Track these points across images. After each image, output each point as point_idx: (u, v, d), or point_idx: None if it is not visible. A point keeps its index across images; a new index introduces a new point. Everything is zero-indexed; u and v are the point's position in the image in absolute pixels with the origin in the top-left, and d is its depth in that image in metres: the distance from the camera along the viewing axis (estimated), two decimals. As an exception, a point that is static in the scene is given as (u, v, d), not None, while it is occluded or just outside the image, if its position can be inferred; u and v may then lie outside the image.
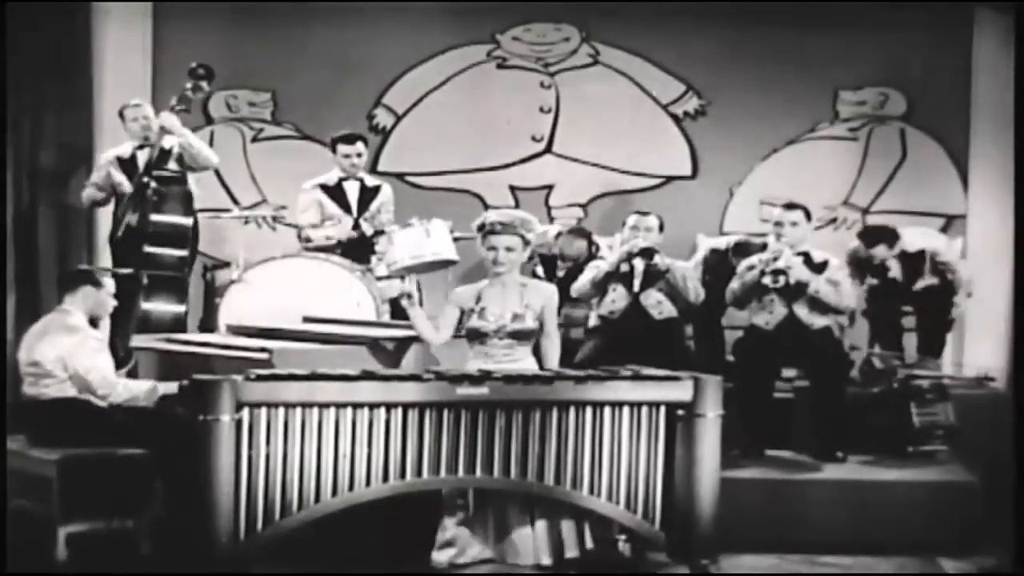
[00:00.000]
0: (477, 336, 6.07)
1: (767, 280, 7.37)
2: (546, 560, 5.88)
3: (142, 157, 8.28)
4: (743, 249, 8.25)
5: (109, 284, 6.74)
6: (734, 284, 7.64)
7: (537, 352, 6.23)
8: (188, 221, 8.18)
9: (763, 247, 7.84)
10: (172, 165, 8.19)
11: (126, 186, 8.23)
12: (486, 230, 6.07)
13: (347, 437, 5.43)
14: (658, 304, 7.74)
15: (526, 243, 6.11)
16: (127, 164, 8.32)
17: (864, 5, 9.43)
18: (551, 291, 6.23)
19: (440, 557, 5.91)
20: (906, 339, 8.57)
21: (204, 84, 8.26)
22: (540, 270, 8.43)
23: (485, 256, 6.12)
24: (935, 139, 9.69)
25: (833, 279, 7.46)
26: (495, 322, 6.04)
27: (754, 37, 9.59)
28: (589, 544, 5.95)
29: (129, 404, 6.40)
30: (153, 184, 8.05)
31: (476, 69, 9.86)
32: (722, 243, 8.65)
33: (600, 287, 7.75)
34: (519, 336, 6.07)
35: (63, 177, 8.95)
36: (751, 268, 7.52)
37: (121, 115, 8.43)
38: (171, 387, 6.33)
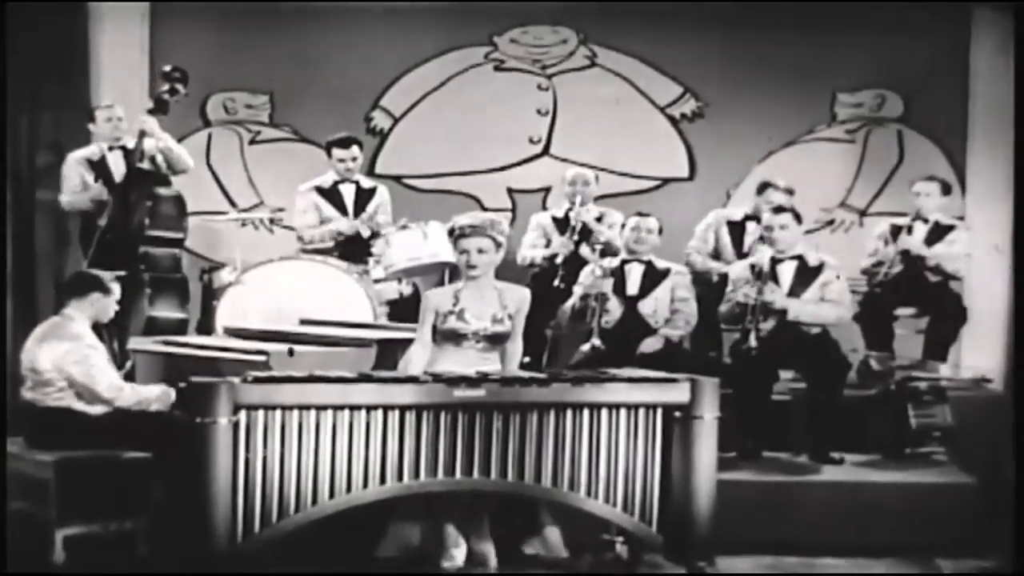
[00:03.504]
0: (454, 337, 6.03)
1: (741, 297, 7.47)
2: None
3: (112, 158, 8.27)
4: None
5: (116, 290, 6.71)
6: (722, 308, 7.70)
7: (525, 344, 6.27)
8: (183, 222, 8.19)
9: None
10: (144, 165, 8.18)
11: (99, 188, 8.20)
12: (456, 234, 6.05)
13: (344, 439, 5.42)
14: (655, 313, 7.74)
15: (498, 245, 6.09)
16: (98, 166, 8.30)
17: (861, 6, 9.43)
18: (525, 295, 6.20)
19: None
20: (907, 341, 8.56)
21: (180, 87, 8.24)
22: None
23: (458, 260, 6.10)
24: (932, 141, 9.69)
25: (828, 284, 7.50)
26: (475, 324, 6.02)
27: (751, 39, 9.59)
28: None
29: (138, 407, 6.39)
30: (144, 186, 8.05)
31: (473, 71, 9.87)
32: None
33: (577, 319, 7.75)
34: (496, 339, 6.06)
35: (60, 179, 8.94)
36: (735, 291, 7.59)
37: (92, 116, 8.41)
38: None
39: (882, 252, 8.44)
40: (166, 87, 8.21)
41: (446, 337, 6.04)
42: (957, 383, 8.24)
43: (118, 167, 8.25)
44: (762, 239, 7.98)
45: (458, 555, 5.91)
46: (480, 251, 6.02)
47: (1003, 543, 6.28)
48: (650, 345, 7.62)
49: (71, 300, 6.59)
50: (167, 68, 8.26)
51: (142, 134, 8.13)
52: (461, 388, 5.58)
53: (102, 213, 8.09)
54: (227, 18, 9.59)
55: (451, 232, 6.08)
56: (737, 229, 8.69)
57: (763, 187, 8.70)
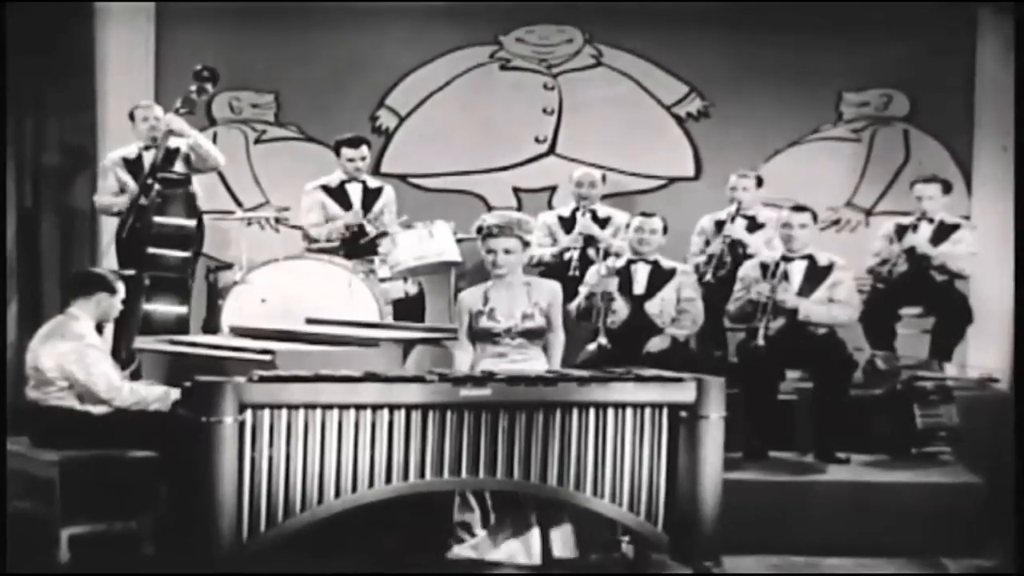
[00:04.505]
0: (488, 337, 6.10)
1: (754, 295, 7.46)
2: (535, 561, 5.92)
3: (148, 158, 8.27)
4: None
5: (121, 289, 6.72)
6: (731, 307, 7.70)
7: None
8: (191, 223, 8.16)
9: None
10: (179, 167, 8.18)
11: (132, 186, 8.23)
12: (483, 233, 6.11)
13: (350, 438, 5.42)
14: (661, 314, 7.73)
15: (525, 244, 6.13)
16: (133, 165, 8.31)
17: (867, 6, 9.42)
18: (556, 288, 6.27)
19: (461, 552, 5.95)
20: (913, 341, 8.56)
21: (208, 86, 8.27)
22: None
23: (485, 259, 6.16)
24: (938, 140, 9.68)
25: (836, 283, 7.48)
26: (506, 322, 6.08)
27: (757, 38, 9.59)
28: (574, 551, 6.00)
29: (137, 408, 6.38)
30: (157, 186, 8.05)
31: (479, 70, 9.87)
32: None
33: (583, 318, 7.74)
34: (530, 335, 6.13)
35: (66, 179, 8.96)
36: (746, 289, 7.58)
37: (131, 116, 8.43)
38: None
39: (887, 250, 8.44)
40: (195, 86, 8.21)
41: (481, 337, 6.12)
42: (963, 383, 8.23)
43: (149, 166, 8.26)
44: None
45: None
46: (507, 251, 6.09)
47: (1008, 542, 6.27)
48: (656, 345, 7.61)
49: (76, 299, 6.59)
50: (198, 67, 8.25)
51: (168, 133, 8.13)
52: (467, 387, 5.58)
53: (128, 212, 8.11)
54: (232, 18, 9.60)
55: (479, 231, 6.13)
56: (723, 226, 8.73)
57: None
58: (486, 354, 6.13)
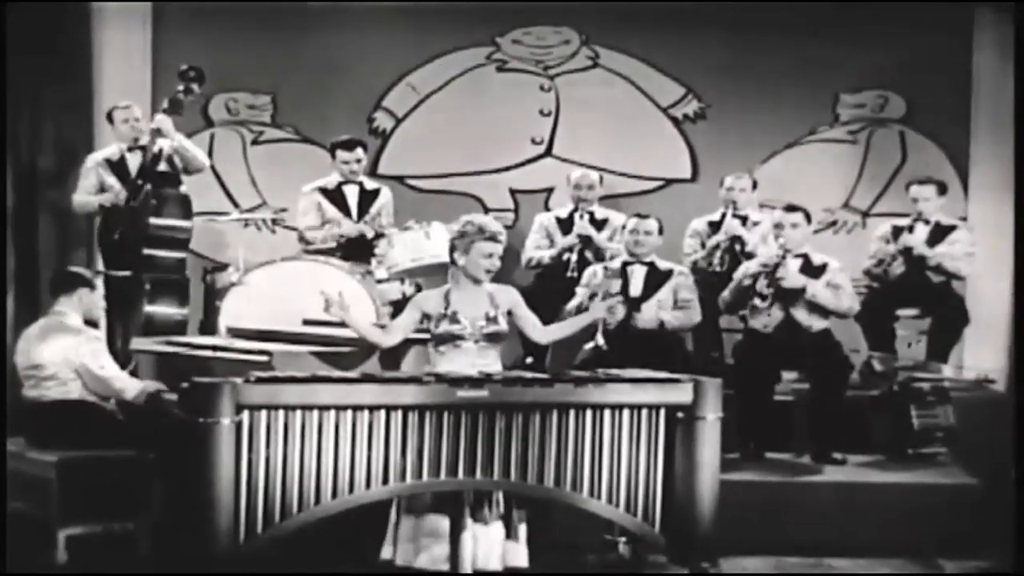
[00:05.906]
0: (449, 339, 6.05)
1: (761, 286, 7.45)
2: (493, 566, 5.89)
3: (131, 159, 8.25)
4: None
5: (100, 286, 6.75)
6: (725, 293, 7.70)
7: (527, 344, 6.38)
8: (188, 223, 8.17)
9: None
10: (162, 167, 8.17)
11: (117, 188, 8.20)
12: (486, 235, 6.05)
13: (347, 439, 5.42)
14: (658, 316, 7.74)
15: None
16: (117, 166, 8.28)
17: (864, 6, 9.42)
18: (513, 291, 6.24)
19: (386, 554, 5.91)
20: (902, 342, 8.57)
21: (195, 87, 8.22)
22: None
23: (478, 261, 6.07)
24: (935, 142, 9.67)
25: (833, 282, 7.49)
26: (470, 325, 6.04)
27: (754, 40, 9.59)
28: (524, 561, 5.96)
29: (139, 399, 6.43)
30: (148, 187, 8.04)
31: (476, 72, 9.87)
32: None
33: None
34: (493, 338, 6.08)
35: (62, 179, 8.94)
36: (743, 274, 7.60)
37: (110, 117, 8.39)
38: (154, 386, 6.41)
39: (883, 251, 8.46)
40: (181, 87, 8.18)
41: (442, 340, 6.06)
42: (960, 384, 8.23)
43: (136, 168, 8.23)
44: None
45: (437, 550, 5.86)
46: (500, 256, 6.09)
47: (1005, 543, 6.28)
48: (645, 320, 7.61)
49: (59, 297, 6.65)
50: (183, 67, 8.22)
51: (155, 133, 8.11)
52: (464, 388, 5.59)
53: (120, 214, 8.09)
54: (229, 19, 9.59)
55: (481, 231, 6.05)
56: (715, 227, 8.75)
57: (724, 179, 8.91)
58: (444, 357, 6.08)
